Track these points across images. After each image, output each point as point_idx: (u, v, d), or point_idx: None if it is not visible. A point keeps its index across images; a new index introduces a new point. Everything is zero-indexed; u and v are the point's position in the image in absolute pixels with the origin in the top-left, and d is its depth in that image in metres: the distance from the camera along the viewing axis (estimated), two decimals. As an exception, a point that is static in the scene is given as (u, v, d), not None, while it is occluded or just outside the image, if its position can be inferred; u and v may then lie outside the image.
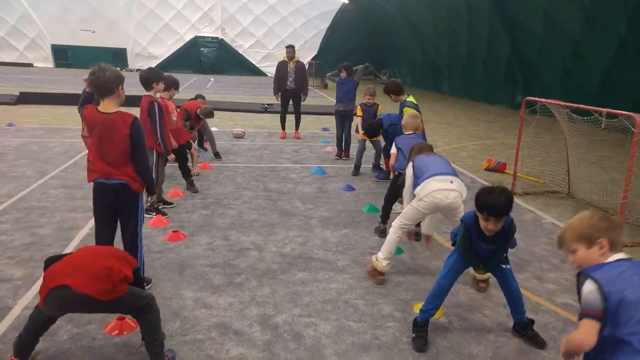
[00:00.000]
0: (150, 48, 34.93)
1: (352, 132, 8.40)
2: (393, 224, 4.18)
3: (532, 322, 3.37)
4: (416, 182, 3.94)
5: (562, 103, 6.30)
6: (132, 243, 3.53)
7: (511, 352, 3.23)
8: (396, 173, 5.00)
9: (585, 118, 6.14)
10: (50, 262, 2.76)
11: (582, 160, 6.95)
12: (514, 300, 3.35)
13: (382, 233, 5.03)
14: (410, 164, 4.15)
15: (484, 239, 3.13)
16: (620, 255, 1.93)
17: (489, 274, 3.90)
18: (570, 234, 2.01)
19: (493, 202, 2.90)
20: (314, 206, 6.06)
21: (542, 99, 6.57)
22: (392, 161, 5.09)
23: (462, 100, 21.53)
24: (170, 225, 5.21)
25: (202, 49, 35.36)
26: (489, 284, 4.06)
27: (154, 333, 2.79)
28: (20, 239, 4.68)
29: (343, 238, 5.07)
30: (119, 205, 3.52)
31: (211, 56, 35.45)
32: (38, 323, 2.76)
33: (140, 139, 3.44)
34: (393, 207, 5.25)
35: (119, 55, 33.78)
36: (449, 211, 3.93)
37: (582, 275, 1.91)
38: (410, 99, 6.12)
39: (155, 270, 4.12)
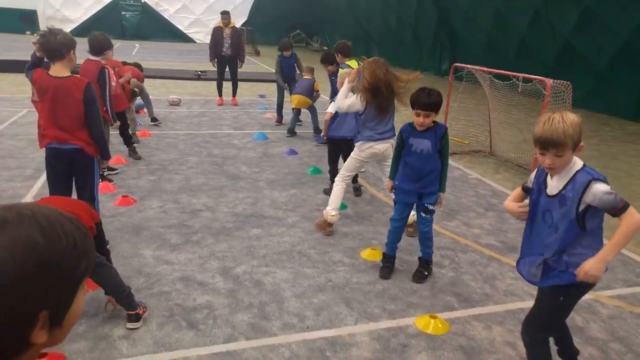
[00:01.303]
0: (64, 10, 32.26)
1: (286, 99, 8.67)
2: (337, 178, 4.54)
3: (428, 262, 3.82)
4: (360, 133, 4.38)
5: (485, 69, 6.89)
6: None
7: (445, 285, 3.73)
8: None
9: (505, 83, 6.77)
10: None
11: (502, 123, 7.65)
12: (422, 241, 3.81)
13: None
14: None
15: (417, 135, 3.56)
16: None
17: (414, 219, 4.32)
18: (570, 140, 2.09)
19: (422, 97, 3.43)
20: (259, 169, 6.28)
21: (468, 65, 7.13)
22: (325, 126, 5.51)
23: (393, 67, 22.17)
24: (117, 191, 5.22)
25: (123, 12, 33.23)
26: (416, 229, 4.53)
27: (116, 286, 2.94)
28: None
29: (291, 197, 5.36)
30: (75, 170, 3.56)
31: (134, 21, 33.45)
32: None
33: (93, 103, 3.48)
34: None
35: (28, 18, 30.95)
36: (383, 158, 4.45)
37: (585, 178, 2.13)
38: (350, 62, 6.35)
39: (110, 233, 4.18)
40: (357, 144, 4.44)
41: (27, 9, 31.20)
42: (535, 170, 2.45)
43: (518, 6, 13.67)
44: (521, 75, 6.03)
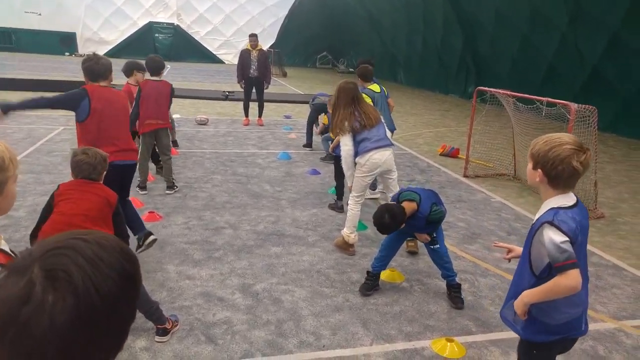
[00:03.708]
0: (101, 33, 33.67)
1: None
2: (349, 201, 4.59)
3: (458, 285, 3.81)
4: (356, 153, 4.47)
5: (508, 92, 6.89)
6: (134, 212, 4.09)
7: (464, 309, 3.70)
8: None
9: (529, 106, 6.75)
10: (35, 233, 2.83)
11: (527, 146, 7.57)
12: (442, 271, 3.82)
13: (340, 209, 5.61)
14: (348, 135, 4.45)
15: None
16: None
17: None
18: (534, 150, 2.03)
19: (375, 223, 3.60)
20: (282, 189, 6.38)
21: (491, 89, 7.15)
22: (333, 145, 5.71)
23: (418, 89, 22.28)
24: (144, 206, 5.40)
25: (157, 35, 34.45)
26: (416, 244, 4.57)
27: (144, 302, 3.04)
28: (-5, 222, 4.74)
29: (312, 217, 5.43)
30: (124, 183, 3.90)
31: (167, 43, 34.62)
32: None
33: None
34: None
35: (67, 40, 32.42)
36: (386, 170, 4.48)
37: (544, 219, 1.97)
38: (372, 86, 6.43)
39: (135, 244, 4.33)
40: (357, 161, 4.44)
41: (66, 31, 32.67)
42: None
43: (544, 31, 13.64)
44: (545, 99, 6.02)
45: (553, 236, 1.87)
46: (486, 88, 7.25)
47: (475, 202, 6.30)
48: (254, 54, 10.37)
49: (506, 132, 8.64)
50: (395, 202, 3.64)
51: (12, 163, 1.42)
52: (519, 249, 2.25)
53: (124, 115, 4.06)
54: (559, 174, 1.91)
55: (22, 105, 3.71)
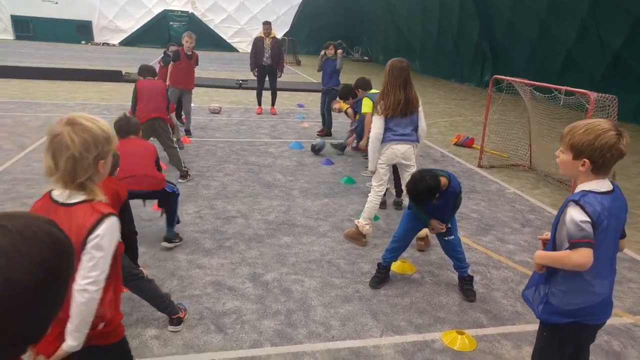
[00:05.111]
0: (117, 21, 33.82)
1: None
2: (370, 192, 4.55)
3: (471, 277, 3.76)
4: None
5: (526, 81, 6.74)
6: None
7: (475, 301, 3.66)
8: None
9: (546, 96, 6.60)
10: None
11: (543, 136, 7.45)
12: (454, 262, 3.77)
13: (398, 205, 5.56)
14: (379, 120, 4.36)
15: None
16: None
17: (425, 232, 4.27)
18: (569, 138, 2.00)
19: (409, 190, 3.50)
20: (294, 178, 6.36)
21: (508, 77, 7.00)
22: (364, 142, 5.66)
23: (433, 78, 21.99)
24: (157, 195, 5.42)
25: (171, 23, 34.48)
26: (427, 242, 4.48)
27: (156, 296, 3.06)
28: (11, 209, 4.81)
29: (323, 207, 5.40)
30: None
31: (181, 31, 34.44)
32: None
33: None
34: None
35: (83, 28, 32.62)
36: (405, 159, 4.38)
37: (571, 197, 1.99)
38: (374, 91, 6.41)
39: (147, 236, 4.36)
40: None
41: (83, 20, 32.88)
42: None
43: (564, 18, 13.30)
44: (563, 88, 5.87)
45: (574, 214, 1.89)
46: (503, 76, 7.11)
47: (489, 193, 6.21)
48: (267, 42, 10.30)
49: (523, 121, 8.48)
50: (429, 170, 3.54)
51: (114, 138, 1.75)
52: None
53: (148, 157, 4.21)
54: (606, 161, 1.90)
55: None
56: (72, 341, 1.65)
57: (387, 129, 4.26)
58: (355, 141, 7.23)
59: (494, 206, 5.75)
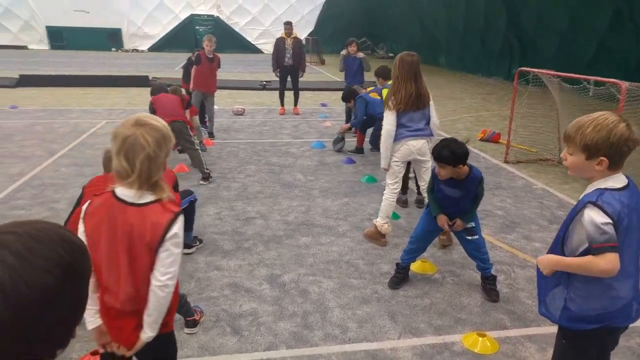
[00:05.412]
0: (145, 28, 34.60)
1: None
2: (385, 190, 4.46)
3: (494, 277, 3.62)
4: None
5: (552, 72, 6.50)
6: None
7: (499, 302, 3.53)
8: None
9: (575, 87, 6.35)
10: (64, 225, 2.99)
11: (573, 128, 7.17)
12: (477, 262, 3.63)
13: (404, 203, 5.44)
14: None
15: (445, 183, 3.45)
16: None
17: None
18: (580, 138, 1.88)
19: (436, 148, 3.34)
20: (314, 178, 6.33)
21: (534, 69, 6.77)
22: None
23: (459, 73, 21.58)
24: (178, 198, 5.48)
25: (197, 27, 35.01)
26: (449, 237, 4.34)
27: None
28: (38, 213, 4.95)
29: (343, 206, 5.34)
30: None
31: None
32: None
33: None
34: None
35: (114, 36, 33.51)
36: (421, 155, 4.30)
37: (587, 199, 1.86)
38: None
39: (168, 238, 4.40)
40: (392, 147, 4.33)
41: (113, 27, 33.79)
42: None
43: (596, 5, 12.81)
44: (592, 78, 5.63)
45: (595, 217, 1.77)
46: (529, 68, 6.88)
47: (515, 189, 6.02)
48: (289, 42, 10.31)
49: (552, 114, 8.20)
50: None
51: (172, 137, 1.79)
52: None
53: None
54: (623, 155, 1.81)
55: None
56: (150, 332, 1.79)
57: (400, 125, 4.18)
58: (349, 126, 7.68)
59: (520, 203, 5.57)
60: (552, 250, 1.99)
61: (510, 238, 4.62)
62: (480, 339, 3.03)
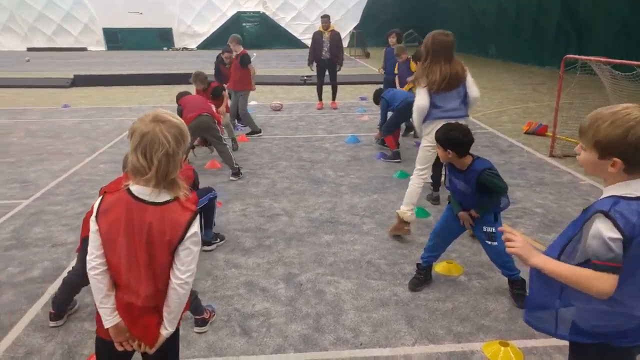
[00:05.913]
0: (194, 26, 35.52)
1: None
2: (412, 175, 4.27)
3: (522, 281, 3.33)
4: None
5: (602, 59, 6.00)
6: None
7: (528, 308, 3.27)
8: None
9: (627, 74, 5.84)
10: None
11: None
12: (501, 270, 3.39)
13: (436, 200, 5.21)
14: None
15: (453, 174, 3.28)
16: None
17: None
18: (592, 133, 1.62)
19: (438, 131, 3.24)
20: (344, 173, 6.19)
21: (581, 56, 6.29)
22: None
23: (510, 63, 20.65)
24: (207, 194, 5.51)
25: (244, 24, 35.53)
26: None
27: None
28: (73, 209, 5.12)
29: (371, 203, 5.18)
30: None
31: (253, 31, 35.58)
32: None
33: None
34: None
35: (165, 35, 34.65)
36: None
37: (599, 207, 1.58)
38: None
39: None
40: (422, 128, 4.16)
41: (164, 27, 34.92)
42: None
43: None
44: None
45: (603, 230, 1.50)
46: (576, 56, 6.40)
47: (559, 185, 5.62)
48: (326, 35, 10.19)
49: (605, 104, 7.63)
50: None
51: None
52: None
53: None
54: None
55: None
56: (171, 328, 1.83)
57: (432, 105, 4.00)
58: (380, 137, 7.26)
59: (563, 200, 5.18)
60: (549, 253, 1.72)
61: (549, 238, 4.29)
62: (502, 348, 2.81)
